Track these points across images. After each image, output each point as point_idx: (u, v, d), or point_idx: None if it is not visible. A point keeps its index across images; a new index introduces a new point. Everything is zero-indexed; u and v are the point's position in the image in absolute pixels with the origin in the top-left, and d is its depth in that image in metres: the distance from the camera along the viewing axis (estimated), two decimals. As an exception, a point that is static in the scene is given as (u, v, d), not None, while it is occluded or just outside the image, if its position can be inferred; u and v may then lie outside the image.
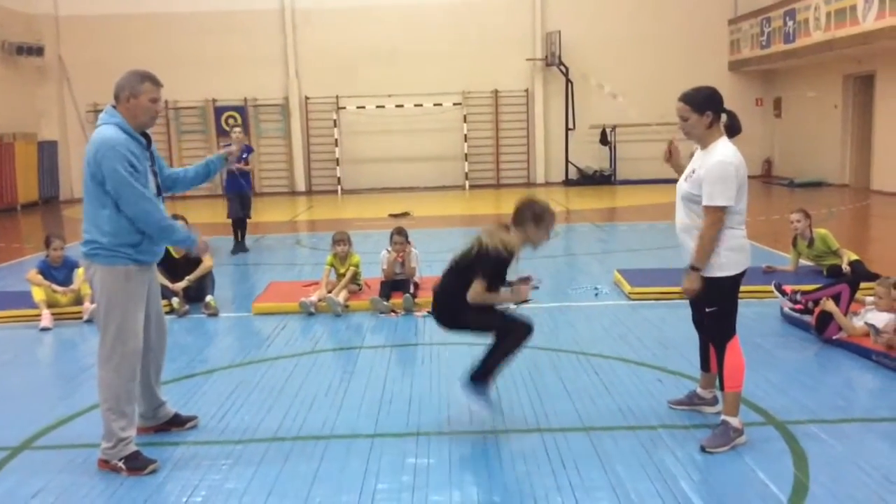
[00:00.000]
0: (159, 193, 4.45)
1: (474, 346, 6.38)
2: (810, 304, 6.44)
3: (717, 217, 4.20)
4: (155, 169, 4.44)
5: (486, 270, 4.57)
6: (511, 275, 4.74)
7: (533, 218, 4.68)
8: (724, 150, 4.26)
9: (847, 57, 18.15)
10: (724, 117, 4.38)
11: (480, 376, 4.66)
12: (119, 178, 4.11)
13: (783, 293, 6.81)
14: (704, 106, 4.30)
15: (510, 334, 4.67)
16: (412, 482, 4.02)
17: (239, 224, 11.76)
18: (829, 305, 6.07)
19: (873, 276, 7.72)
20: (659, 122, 21.70)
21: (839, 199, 17.16)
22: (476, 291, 4.56)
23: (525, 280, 4.77)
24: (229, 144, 5.12)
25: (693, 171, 4.35)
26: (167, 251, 7.07)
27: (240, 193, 11.66)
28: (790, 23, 19.17)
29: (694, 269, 4.29)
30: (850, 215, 14.71)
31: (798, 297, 6.62)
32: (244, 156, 11.32)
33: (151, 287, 4.50)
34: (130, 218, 4.18)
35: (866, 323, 5.91)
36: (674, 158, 4.72)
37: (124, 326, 4.23)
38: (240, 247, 11.69)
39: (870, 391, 5.27)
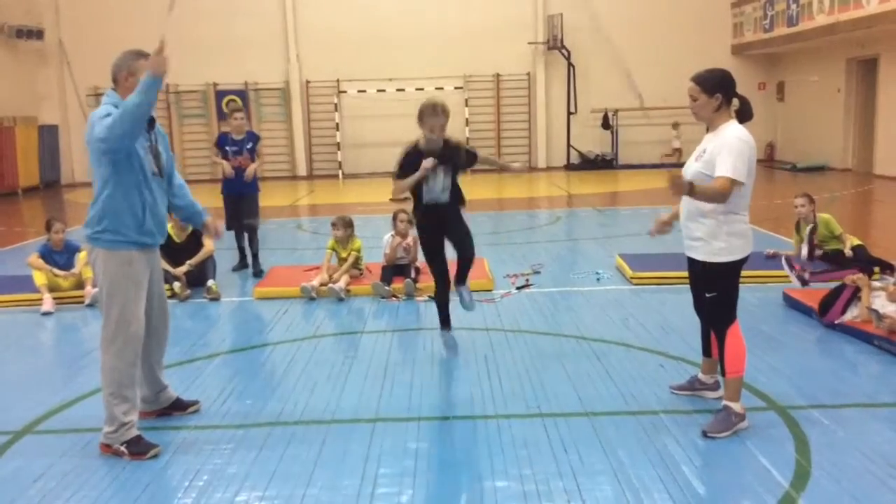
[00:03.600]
0: (161, 175, 4.42)
1: (475, 331, 6.40)
2: (806, 275, 6.43)
3: (730, 183, 4.07)
4: (158, 149, 4.40)
5: (398, 162, 5.52)
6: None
7: (417, 116, 5.44)
8: (738, 130, 4.22)
9: (850, 40, 18.06)
10: (735, 102, 4.34)
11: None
12: (102, 125, 4.02)
13: (792, 267, 6.78)
14: (715, 88, 4.26)
15: (435, 286, 5.90)
16: (413, 467, 4.02)
17: (238, 235, 9.01)
18: (862, 281, 5.99)
19: (875, 261, 7.73)
20: (661, 105, 21.68)
21: (842, 183, 17.12)
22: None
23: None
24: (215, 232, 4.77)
25: (704, 152, 4.31)
26: (169, 236, 7.05)
27: (235, 196, 8.78)
28: (793, 6, 19.06)
29: (692, 189, 4.04)
30: (852, 200, 14.67)
31: (806, 276, 6.60)
32: (248, 146, 8.69)
33: (154, 271, 4.49)
34: (123, 130, 3.99)
35: (869, 308, 5.90)
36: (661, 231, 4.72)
37: (126, 310, 4.23)
38: (242, 264, 9.08)
39: (872, 376, 5.26)
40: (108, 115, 4.06)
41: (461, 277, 5.77)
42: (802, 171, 19.68)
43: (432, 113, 5.39)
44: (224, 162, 8.68)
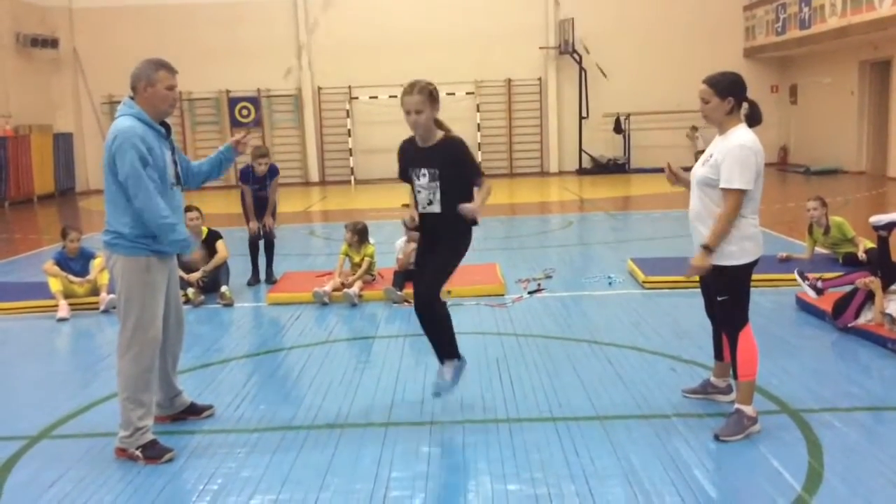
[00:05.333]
0: (179, 183, 4.47)
1: (487, 335, 6.41)
2: (819, 284, 6.41)
3: (736, 200, 4.15)
4: (176, 158, 4.46)
5: None
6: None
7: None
8: (744, 136, 4.24)
9: (863, 43, 17.98)
10: (745, 106, 4.35)
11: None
12: (129, 170, 4.13)
13: (805, 278, 6.77)
14: (727, 91, 4.27)
15: None
16: (426, 471, 4.04)
17: (252, 246, 8.93)
18: (874, 284, 5.97)
19: (889, 264, 7.68)
20: (674, 109, 21.64)
21: (855, 186, 17.03)
22: None
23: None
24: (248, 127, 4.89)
25: (711, 156, 4.32)
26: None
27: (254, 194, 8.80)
28: (805, 9, 19.00)
29: (706, 248, 4.23)
30: (866, 203, 14.58)
31: (819, 284, 6.58)
32: (268, 182, 8.75)
33: (171, 277, 4.53)
34: (136, 210, 4.19)
35: (882, 313, 5.87)
36: (678, 178, 4.68)
37: (144, 316, 4.27)
38: (256, 279, 8.88)
39: (885, 380, 5.24)
40: (143, 159, 4.16)
41: (437, 349, 4.78)
42: (816, 174, 19.58)
43: (407, 90, 4.47)
44: (249, 225, 8.87)
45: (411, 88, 4.47)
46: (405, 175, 4.73)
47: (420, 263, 4.76)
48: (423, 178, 4.57)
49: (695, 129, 21.89)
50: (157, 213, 4.21)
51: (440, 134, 4.60)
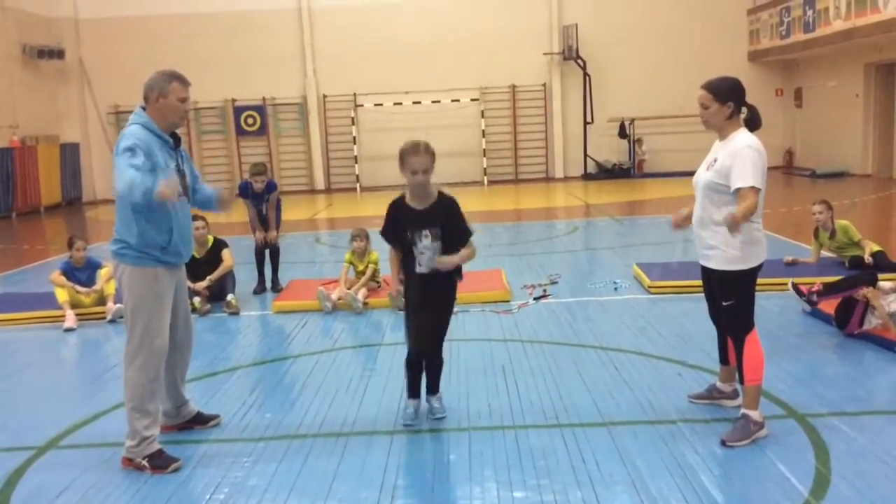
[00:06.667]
0: (187, 195, 4.48)
1: (493, 341, 6.41)
2: (814, 297, 6.38)
3: (754, 198, 4.08)
4: (184, 170, 4.47)
5: (384, 221, 4.70)
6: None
7: (399, 160, 4.58)
8: (748, 138, 4.23)
9: (868, 45, 17.94)
10: (744, 111, 4.35)
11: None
12: (118, 158, 4.11)
13: (800, 293, 6.72)
14: (726, 96, 4.27)
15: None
16: (432, 478, 4.04)
17: (258, 255, 8.95)
18: (872, 295, 5.94)
19: (894, 267, 7.67)
20: (678, 114, 21.62)
21: (862, 189, 16.98)
22: None
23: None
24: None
25: (715, 160, 4.31)
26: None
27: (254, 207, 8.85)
28: (810, 12, 18.98)
29: (739, 220, 4.00)
30: (872, 205, 14.56)
31: (815, 297, 6.54)
32: (266, 197, 8.80)
33: (179, 287, 4.54)
34: (120, 191, 4.08)
35: (890, 314, 5.85)
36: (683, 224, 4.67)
37: (151, 326, 4.28)
38: (262, 287, 8.92)
39: (892, 383, 5.22)
40: (132, 149, 4.11)
41: (430, 386, 4.88)
42: (822, 177, 19.54)
43: (413, 151, 4.48)
44: (255, 235, 8.93)
45: (417, 148, 4.50)
46: (397, 237, 4.65)
47: (416, 318, 4.74)
48: (425, 240, 4.54)
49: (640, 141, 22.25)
50: (130, 183, 3.99)
51: (435, 193, 4.62)
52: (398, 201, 4.67)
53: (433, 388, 4.91)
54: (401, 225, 4.60)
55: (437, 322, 4.73)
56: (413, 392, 4.85)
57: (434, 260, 4.54)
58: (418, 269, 4.60)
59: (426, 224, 4.53)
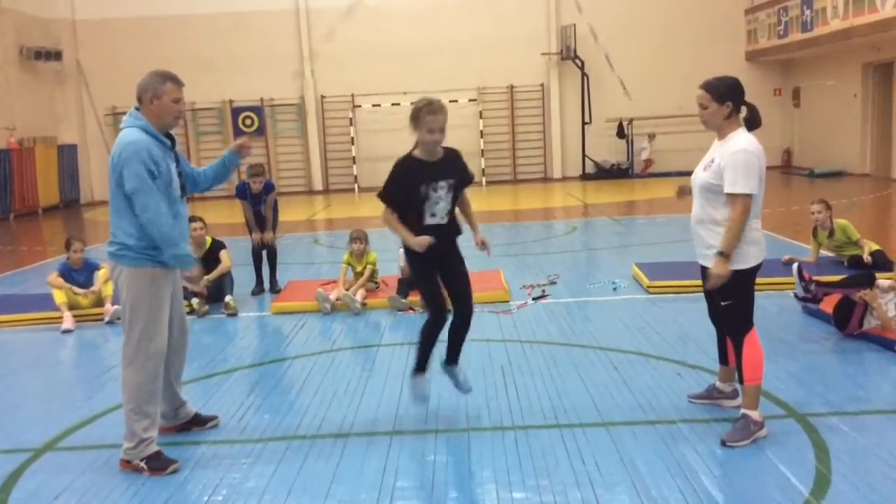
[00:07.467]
0: (184, 194, 4.48)
1: (492, 342, 6.40)
2: (819, 294, 6.36)
3: (744, 205, 4.13)
4: (180, 169, 4.46)
5: (388, 178, 4.63)
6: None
7: (411, 119, 4.57)
8: (745, 140, 4.22)
9: (866, 45, 17.96)
10: (743, 110, 4.33)
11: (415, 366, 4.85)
12: (137, 183, 4.14)
13: (802, 277, 6.70)
14: (725, 96, 4.26)
15: (428, 314, 4.83)
16: (431, 479, 4.03)
17: (257, 262, 8.93)
18: (870, 296, 5.92)
19: (892, 265, 7.66)
20: (676, 114, 21.63)
21: (860, 188, 16.99)
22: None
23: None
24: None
25: (712, 161, 4.31)
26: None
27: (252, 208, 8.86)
28: (808, 11, 18.99)
29: (722, 255, 4.16)
30: (871, 205, 14.56)
31: (812, 287, 6.53)
32: (264, 198, 8.80)
33: (175, 288, 4.53)
34: (141, 223, 4.20)
35: (892, 317, 5.84)
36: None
37: (149, 327, 4.27)
38: (260, 288, 8.91)
39: (892, 383, 5.21)
40: (135, 154, 4.13)
41: (454, 354, 4.88)
42: (820, 176, 19.55)
43: (430, 110, 4.47)
44: (252, 236, 8.91)
45: (434, 107, 4.50)
46: (407, 194, 4.58)
47: (425, 274, 4.74)
48: (440, 191, 4.58)
49: (652, 136, 22.14)
50: (162, 228, 4.21)
51: (441, 146, 4.68)
52: (408, 159, 4.64)
53: (455, 357, 4.88)
54: (414, 180, 4.56)
55: (467, 276, 4.80)
56: (424, 365, 4.82)
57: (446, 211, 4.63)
58: (431, 221, 4.61)
59: (441, 176, 4.59)
